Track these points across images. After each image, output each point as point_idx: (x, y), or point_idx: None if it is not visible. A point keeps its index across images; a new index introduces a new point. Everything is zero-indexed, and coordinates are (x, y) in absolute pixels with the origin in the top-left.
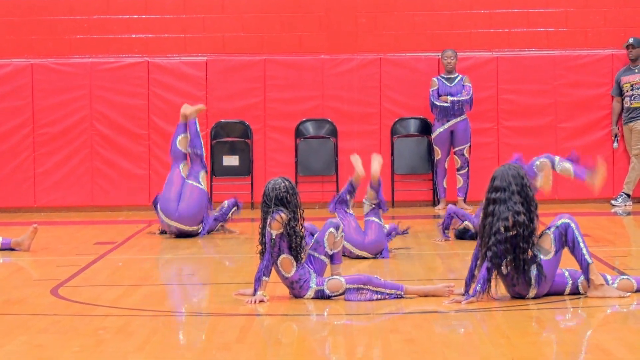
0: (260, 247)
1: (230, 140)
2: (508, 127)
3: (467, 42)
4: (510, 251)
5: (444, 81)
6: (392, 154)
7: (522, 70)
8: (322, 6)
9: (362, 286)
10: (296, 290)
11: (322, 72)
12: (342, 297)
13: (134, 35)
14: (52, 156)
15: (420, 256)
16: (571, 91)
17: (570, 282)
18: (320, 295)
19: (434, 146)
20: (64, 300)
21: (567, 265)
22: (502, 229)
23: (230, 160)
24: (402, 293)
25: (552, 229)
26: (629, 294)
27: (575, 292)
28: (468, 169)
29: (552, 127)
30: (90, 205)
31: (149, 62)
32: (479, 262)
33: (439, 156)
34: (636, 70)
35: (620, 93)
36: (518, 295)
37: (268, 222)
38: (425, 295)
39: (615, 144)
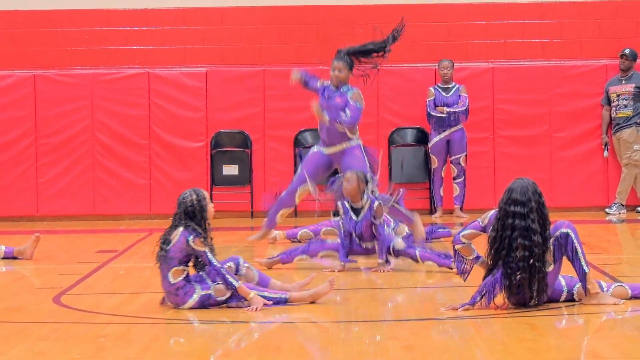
0: (159, 251)
1: (230, 149)
2: (504, 137)
3: (464, 52)
4: (526, 269)
5: (441, 91)
6: (390, 163)
7: (517, 81)
8: (320, 17)
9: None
10: (180, 296)
11: None
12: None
13: (134, 47)
14: (54, 166)
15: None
16: (566, 101)
17: (566, 289)
18: (206, 300)
19: (431, 155)
20: (66, 308)
21: (562, 270)
22: (520, 252)
23: (230, 170)
24: (287, 298)
25: (551, 240)
26: (623, 301)
27: (570, 299)
28: (464, 178)
29: (547, 137)
30: (92, 214)
31: (149, 73)
32: (486, 271)
33: (436, 165)
34: (623, 81)
35: (609, 102)
36: (518, 304)
37: (192, 239)
38: (312, 301)
39: (606, 153)
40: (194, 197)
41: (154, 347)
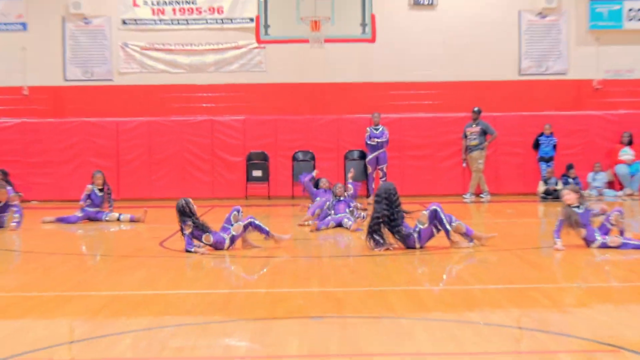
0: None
1: (257, 162)
2: (408, 155)
3: (386, 108)
4: (380, 229)
5: (373, 130)
6: (345, 170)
7: (416, 125)
8: (308, 90)
9: (249, 224)
10: (219, 246)
11: (307, 125)
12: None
13: (204, 105)
14: (159, 172)
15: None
16: (443, 135)
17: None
18: (234, 238)
19: (367, 165)
20: (166, 249)
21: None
22: (374, 219)
23: (257, 173)
24: (269, 232)
25: (427, 211)
26: (472, 243)
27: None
28: (385, 178)
29: (432, 156)
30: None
31: (212, 120)
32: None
33: (370, 171)
34: (473, 125)
35: (466, 137)
36: (410, 247)
37: (182, 226)
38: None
39: (464, 164)
40: (183, 202)
41: (212, 272)
